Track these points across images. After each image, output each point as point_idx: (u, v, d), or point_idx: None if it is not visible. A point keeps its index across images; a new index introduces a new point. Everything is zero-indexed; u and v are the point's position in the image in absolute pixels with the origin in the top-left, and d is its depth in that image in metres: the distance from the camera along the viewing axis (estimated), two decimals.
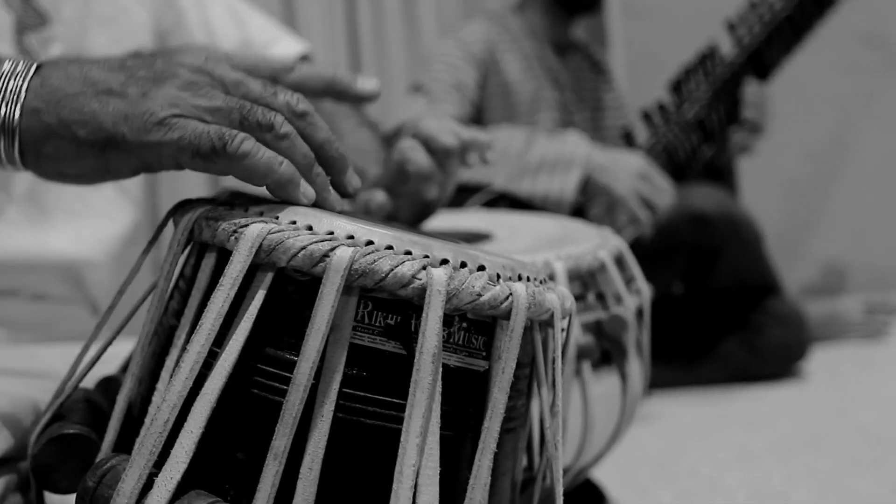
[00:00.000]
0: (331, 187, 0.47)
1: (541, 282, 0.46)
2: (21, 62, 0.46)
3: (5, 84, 0.45)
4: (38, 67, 0.46)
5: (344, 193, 0.50)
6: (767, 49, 1.73)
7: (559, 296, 0.46)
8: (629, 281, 0.80)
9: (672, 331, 1.85)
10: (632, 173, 1.53)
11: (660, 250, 1.73)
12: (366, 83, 0.54)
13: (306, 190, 0.45)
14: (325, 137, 0.48)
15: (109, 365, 0.56)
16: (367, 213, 0.74)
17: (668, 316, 1.74)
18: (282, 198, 0.44)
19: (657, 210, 1.54)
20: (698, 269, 1.87)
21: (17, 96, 0.44)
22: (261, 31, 0.96)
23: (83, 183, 0.47)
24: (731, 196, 1.95)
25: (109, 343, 0.50)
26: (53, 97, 0.44)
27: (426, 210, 0.78)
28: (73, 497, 0.43)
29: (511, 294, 0.42)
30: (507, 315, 0.42)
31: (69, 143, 0.44)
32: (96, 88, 0.44)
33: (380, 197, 0.75)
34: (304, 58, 0.96)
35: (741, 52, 1.73)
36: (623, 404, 0.81)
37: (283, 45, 0.95)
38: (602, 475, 0.95)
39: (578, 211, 1.60)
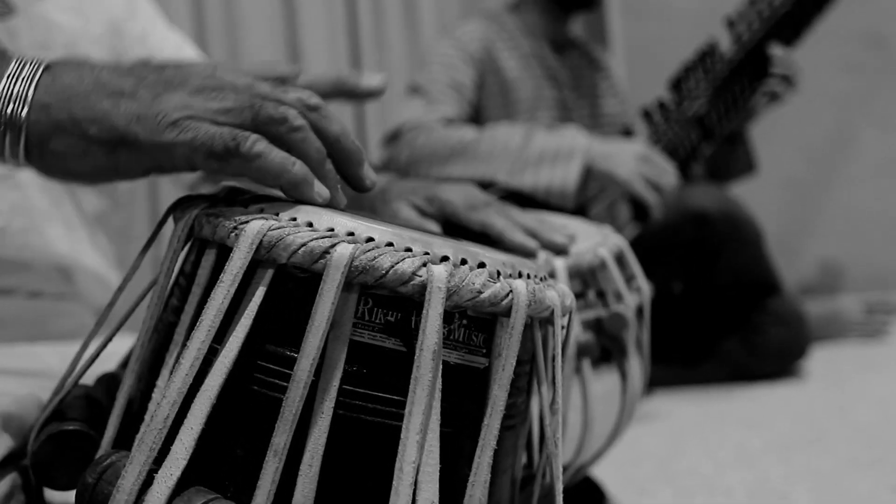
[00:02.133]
0: (339, 187, 0.47)
1: (541, 279, 0.46)
2: (29, 62, 0.45)
3: (12, 84, 0.44)
4: (47, 66, 0.45)
5: (361, 187, 0.49)
6: (766, 46, 1.73)
7: (559, 293, 0.46)
8: (630, 279, 0.80)
9: (672, 329, 1.85)
10: (633, 157, 1.53)
11: (660, 249, 1.73)
12: (371, 79, 0.54)
13: (321, 189, 0.44)
14: (340, 130, 0.47)
15: (109, 362, 0.56)
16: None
17: (668, 315, 1.74)
18: (296, 198, 0.44)
19: (663, 190, 1.54)
20: (698, 267, 1.87)
21: (26, 95, 0.44)
22: None
23: (87, 182, 0.47)
24: (748, 163, 1.94)
25: (109, 340, 0.50)
26: (64, 94, 0.44)
27: None
28: (73, 494, 0.43)
29: (511, 291, 0.42)
30: (508, 312, 0.42)
31: (78, 139, 0.44)
32: (107, 90, 0.44)
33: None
34: None
35: (740, 49, 1.73)
36: (623, 402, 0.81)
37: None
38: (602, 473, 0.95)
39: (580, 209, 1.60)
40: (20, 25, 0.77)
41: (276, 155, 0.43)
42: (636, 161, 1.53)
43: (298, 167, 0.44)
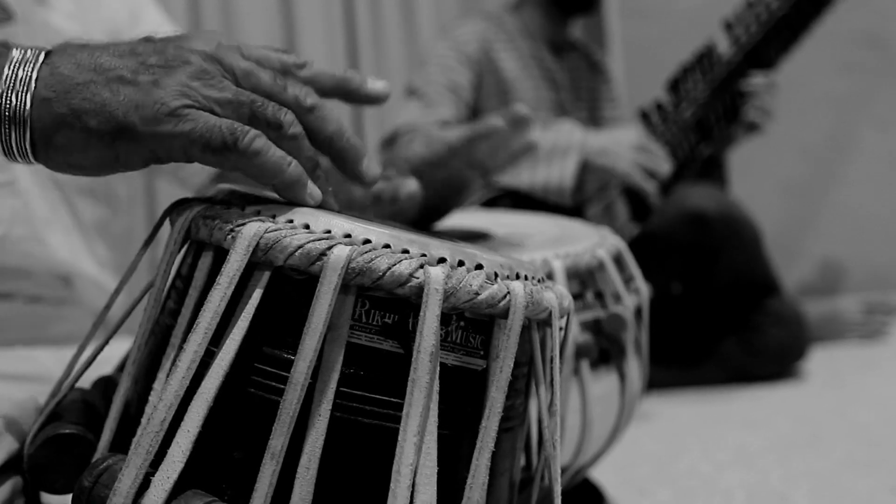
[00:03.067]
0: (330, 190, 0.47)
1: (539, 280, 0.46)
2: (29, 50, 0.45)
3: (15, 72, 0.44)
4: (46, 54, 0.45)
5: (362, 183, 0.50)
6: (764, 48, 1.73)
7: (557, 295, 0.46)
8: (628, 280, 0.80)
9: (671, 331, 1.85)
10: (630, 147, 1.53)
11: (658, 250, 1.73)
12: (375, 85, 0.54)
13: (313, 191, 0.45)
14: (335, 129, 0.48)
15: (106, 365, 0.56)
16: (395, 201, 0.72)
17: (667, 316, 1.74)
18: (288, 198, 0.44)
19: (659, 178, 1.54)
20: (697, 268, 1.87)
21: (28, 85, 0.43)
22: None
23: (93, 174, 0.46)
24: (720, 187, 1.95)
25: (106, 343, 0.49)
26: (63, 86, 0.43)
27: (453, 200, 0.77)
28: (70, 498, 0.43)
29: (509, 293, 0.41)
30: (505, 314, 0.42)
31: (79, 132, 0.43)
32: (107, 76, 0.43)
33: (412, 185, 0.73)
34: None
35: (738, 52, 1.73)
36: (621, 403, 0.81)
37: None
38: (601, 475, 0.95)
39: (577, 210, 1.60)
40: (19, 32, 0.76)
41: (274, 153, 0.43)
42: (633, 151, 1.53)
43: (294, 167, 0.44)
